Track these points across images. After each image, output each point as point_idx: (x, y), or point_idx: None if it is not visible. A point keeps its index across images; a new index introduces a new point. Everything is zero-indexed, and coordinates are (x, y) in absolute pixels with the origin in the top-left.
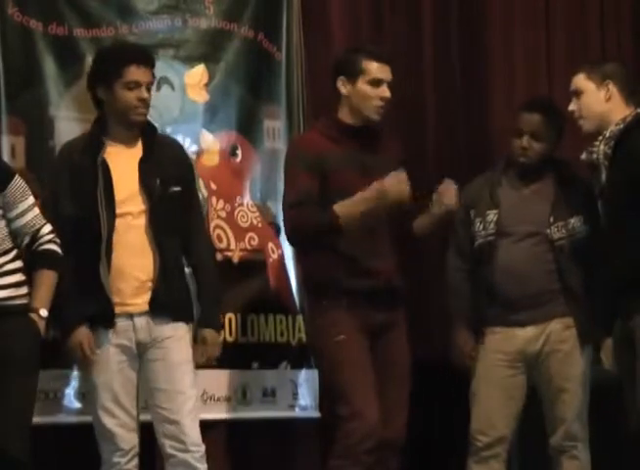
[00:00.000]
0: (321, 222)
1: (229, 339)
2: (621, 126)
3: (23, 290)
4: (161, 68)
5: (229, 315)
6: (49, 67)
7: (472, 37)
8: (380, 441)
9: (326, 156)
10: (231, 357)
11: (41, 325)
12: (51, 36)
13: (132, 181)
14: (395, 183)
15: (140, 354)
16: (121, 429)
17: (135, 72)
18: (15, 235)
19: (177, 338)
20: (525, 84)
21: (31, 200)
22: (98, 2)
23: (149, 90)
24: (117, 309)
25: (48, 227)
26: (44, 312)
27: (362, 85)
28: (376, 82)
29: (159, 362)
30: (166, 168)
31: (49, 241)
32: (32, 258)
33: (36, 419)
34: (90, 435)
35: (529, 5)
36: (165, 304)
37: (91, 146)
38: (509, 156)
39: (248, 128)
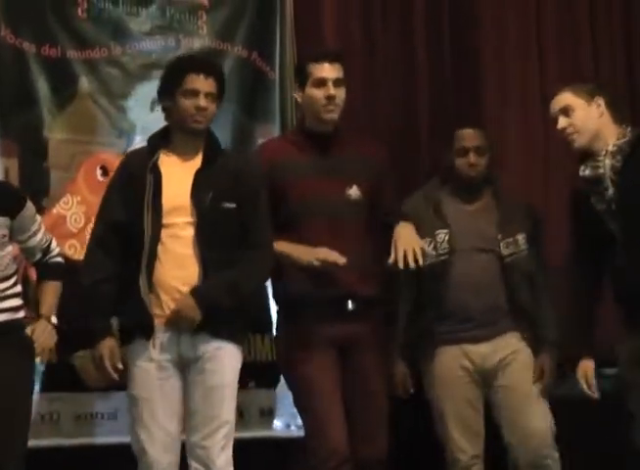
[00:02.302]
0: None
1: None
2: (627, 139)
3: (21, 314)
4: (155, 88)
5: None
6: (42, 88)
7: (465, 43)
8: (360, 460)
9: (284, 164)
10: None
11: (53, 331)
12: (44, 58)
13: (184, 192)
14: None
15: (183, 371)
16: (153, 448)
17: (194, 81)
18: (27, 253)
19: (219, 358)
20: (517, 87)
21: (39, 218)
22: (91, 23)
23: (210, 100)
24: (161, 321)
25: (54, 241)
26: (54, 320)
27: (309, 89)
28: (320, 82)
29: (198, 383)
30: (223, 183)
31: (58, 254)
32: (42, 270)
33: (33, 442)
34: (86, 458)
35: (521, 8)
36: (205, 318)
37: (147, 154)
38: (447, 174)
39: (242, 147)
